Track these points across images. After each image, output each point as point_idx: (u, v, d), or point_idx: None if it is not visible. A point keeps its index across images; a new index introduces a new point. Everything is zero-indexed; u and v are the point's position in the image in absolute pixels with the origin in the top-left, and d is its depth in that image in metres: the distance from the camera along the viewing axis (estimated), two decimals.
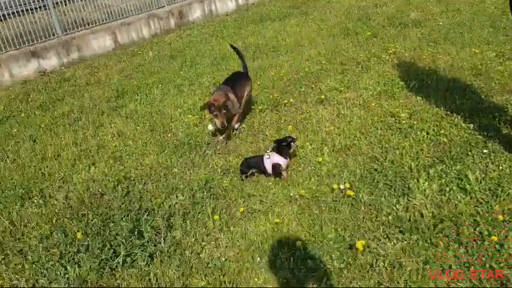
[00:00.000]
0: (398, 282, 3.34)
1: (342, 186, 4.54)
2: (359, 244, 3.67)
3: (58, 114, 7.74)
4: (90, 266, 3.74)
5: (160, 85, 8.38)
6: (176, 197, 4.74)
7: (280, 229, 4.09)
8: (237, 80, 6.14)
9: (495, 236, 3.62)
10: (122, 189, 4.96)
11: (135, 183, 5.12)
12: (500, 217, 3.82)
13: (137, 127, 6.67)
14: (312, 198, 4.48)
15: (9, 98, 9.05)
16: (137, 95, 8.03)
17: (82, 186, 5.13)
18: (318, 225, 4.08)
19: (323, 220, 4.13)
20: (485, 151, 4.78)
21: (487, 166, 4.57)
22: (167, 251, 3.94)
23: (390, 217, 4.05)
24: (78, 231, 4.19)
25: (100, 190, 5.03)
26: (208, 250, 3.95)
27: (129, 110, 7.43)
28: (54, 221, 4.53)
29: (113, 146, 6.18)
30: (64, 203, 4.83)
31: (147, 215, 4.41)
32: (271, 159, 4.75)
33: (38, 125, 7.34)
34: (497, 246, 3.56)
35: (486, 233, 3.68)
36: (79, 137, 6.64)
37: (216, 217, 4.31)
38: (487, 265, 3.38)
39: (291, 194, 4.56)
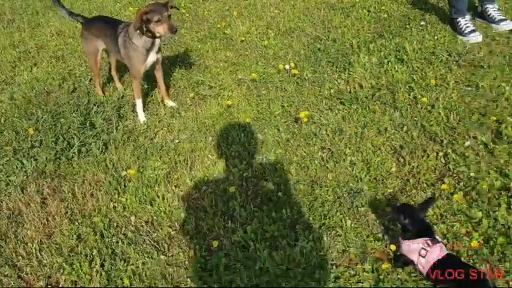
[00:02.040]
0: (339, 146, 3.62)
1: (287, 67, 4.68)
2: (303, 114, 3.91)
3: None
4: (46, 158, 3.82)
5: None
6: (125, 89, 4.76)
7: (231, 111, 4.24)
8: None
9: (426, 98, 3.91)
10: (68, 86, 4.91)
11: (81, 79, 5.06)
12: (433, 81, 4.10)
13: (77, 25, 6.40)
14: (260, 80, 4.61)
15: None
16: None
17: (26, 86, 5.03)
18: (266, 103, 4.26)
19: (271, 99, 4.31)
20: (422, 23, 4.98)
21: (423, 37, 4.79)
22: (121, 139, 4.05)
23: (332, 91, 4.27)
24: (29, 127, 4.19)
25: (45, 88, 4.96)
26: (162, 135, 4.09)
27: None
28: (2, 121, 4.49)
29: (54, 45, 5.97)
30: (9, 103, 4.76)
31: (97, 107, 4.44)
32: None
33: None
34: (428, 107, 3.87)
35: (419, 97, 3.97)
36: (16, 39, 6.34)
37: (166, 102, 4.40)
38: (419, 124, 3.71)
39: (240, 78, 4.67)
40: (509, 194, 3.01)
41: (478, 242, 2.75)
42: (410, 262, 2.62)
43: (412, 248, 2.58)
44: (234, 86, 4.57)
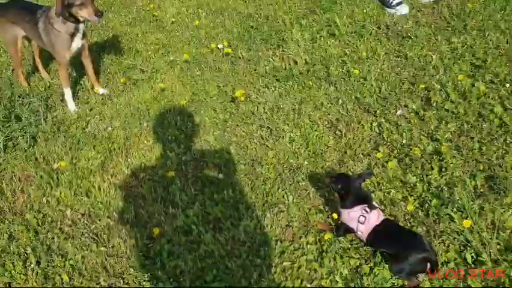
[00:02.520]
0: (277, 123, 3.62)
1: (220, 46, 4.61)
2: (239, 93, 3.87)
3: None
4: None
5: None
6: (52, 78, 4.51)
7: (165, 94, 4.12)
8: None
9: (358, 70, 3.98)
10: None
11: (2, 70, 4.74)
12: (364, 54, 4.18)
13: None
14: (193, 60, 4.51)
15: None
16: None
17: None
18: (201, 84, 4.18)
19: (205, 79, 4.23)
20: None
21: (353, 11, 4.86)
22: (51, 130, 3.83)
23: (267, 68, 4.25)
24: None
25: None
26: (94, 124, 3.91)
27: None
28: None
29: None
30: None
31: (22, 99, 4.17)
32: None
33: None
34: (361, 80, 3.95)
35: (352, 70, 4.03)
36: None
37: (96, 89, 4.21)
38: (353, 96, 3.78)
39: (172, 59, 4.55)
40: (440, 158, 3.12)
41: (414, 206, 2.84)
42: (350, 230, 2.68)
43: (351, 216, 2.64)
44: (167, 68, 4.44)
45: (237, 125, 3.68)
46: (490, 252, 2.54)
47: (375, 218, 2.57)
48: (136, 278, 2.70)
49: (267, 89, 4.01)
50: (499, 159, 3.06)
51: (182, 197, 3.11)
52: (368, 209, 2.59)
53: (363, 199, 2.66)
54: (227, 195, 3.08)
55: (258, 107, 3.80)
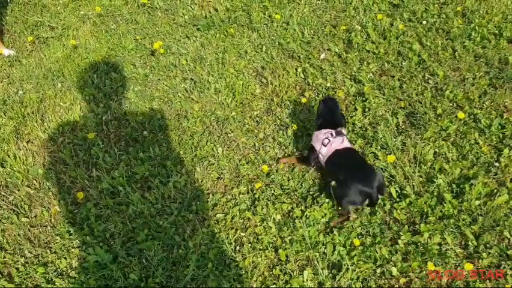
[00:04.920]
0: (201, 74, 3.50)
1: None
2: (158, 45, 3.68)
3: None
4: None
5: None
6: None
7: (78, 52, 3.84)
8: None
9: (280, 15, 3.90)
10: None
11: None
12: None
13: None
14: (107, 13, 4.22)
15: None
16: None
17: None
18: (117, 39, 3.93)
19: (122, 33, 3.97)
20: None
21: None
22: None
23: (186, 17, 4.06)
24: None
25: None
26: (2, 88, 3.59)
27: None
28: None
29: None
30: None
31: None
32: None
33: None
34: (284, 25, 3.87)
35: (274, 15, 3.94)
36: None
37: (2, 50, 3.84)
38: (276, 42, 3.71)
39: (83, 13, 4.22)
40: (363, 98, 3.17)
41: None
42: (313, 151, 2.66)
43: (318, 137, 2.63)
44: (79, 23, 4.12)
45: (159, 79, 3.52)
46: (413, 185, 2.65)
47: (338, 143, 2.56)
48: (63, 246, 2.57)
49: (187, 39, 3.84)
50: (418, 95, 3.15)
51: (106, 159, 2.96)
52: (334, 133, 2.58)
53: (333, 124, 2.64)
54: (153, 152, 2.97)
55: (179, 59, 3.65)
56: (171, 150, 3.01)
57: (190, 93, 3.39)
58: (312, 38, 3.73)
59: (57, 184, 2.87)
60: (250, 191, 2.73)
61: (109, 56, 3.76)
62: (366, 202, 2.42)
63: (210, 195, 2.74)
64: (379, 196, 2.44)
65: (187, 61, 3.62)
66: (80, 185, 2.85)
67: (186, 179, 2.81)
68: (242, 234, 2.53)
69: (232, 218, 2.60)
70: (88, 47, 3.86)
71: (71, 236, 2.61)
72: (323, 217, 2.56)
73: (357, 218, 2.53)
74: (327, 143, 2.58)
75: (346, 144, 2.59)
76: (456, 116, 2.95)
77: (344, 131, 2.66)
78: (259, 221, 2.57)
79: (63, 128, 3.21)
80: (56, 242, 2.59)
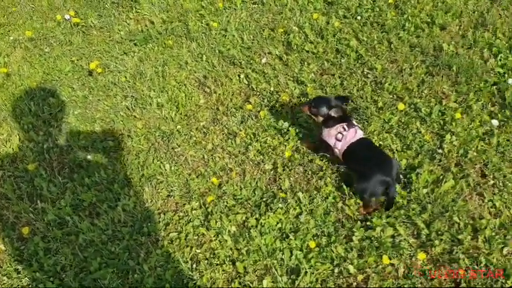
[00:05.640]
0: (142, 90, 3.43)
1: (67, 17, 4.19)
2: (94, 65, 3.58)
3: None
4: None
5: None
6: None
7: (12, 79, 3.68)
8: None
9: (217, 23, 3.88)
10: None
11: None
12: (221, 5, 4.06)
13: None
14: (39, 37, 4.07)
15: None
16: None
17: None
18: (52, 62, 3.80)
19: (56, 56, 3.85)
20: None
21: None
22: None
23: (122, 33, 3.97)
24: None
25: None
26: None
27: None
28: None
29: None
30: None
31: None
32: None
33: None
34: (222, 32, 3.85)
35: (211, 22, 3.91)
36: None
37: None
38: (216, 50, 3.68)
39: (13, 39, 4.06)
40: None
41: (291, 150, 2.89)
42: (328, 147, 2.68)
43: (330, 133, 2.64)
44: (9, 49, 3.96)
45: (99, 100, 3.42)
46: None
47: (352, 135, 2.58)
48: (12, 286, 2.45)
49: (125, 55, 3.76)
50: (359, 90, 3.20)
51: (51, 188, 2.85)
52: (346, 127, 2.60)
53: (343, 119, 2.64)
54: (99, 177, 2.88)
55: (118, 77, 3.57)
56: (117, 172, 2.93)
57: (132, 110, 3.31)
58: (251, 42, 3.72)
59: (0, 221, 2.74)
60: (202, 206, 2.69)
61: (44, 81, 3.62)
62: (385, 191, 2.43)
63: (161, 215, 2.67)
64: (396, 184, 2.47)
65: (126, 78, 3.54)
66: (25, 219, 2.73)
67: (135, 201, 2.74)
68: (198, 251, 2.49)
69: (186, 236, 2.56)
70: (21, 74, 3.71)
71: (19, 275, 2.49)
72: (278, 223, 2.54)
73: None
74: (341, 137, 2.61)
75: (359, 134, 2.62)
76: (397, 108, 3.00)
77: (354, 120, 2.71)
78: (214, 236, 2.53)
79: (2, 161, 3.07)
80: (4, 283, 2.47)
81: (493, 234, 2.36)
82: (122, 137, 3.14)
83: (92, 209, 2.74)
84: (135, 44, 3.84)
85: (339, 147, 2.62)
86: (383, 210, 2.51)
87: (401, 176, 2.58)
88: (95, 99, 3.42)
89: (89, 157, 3.02)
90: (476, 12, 3.59)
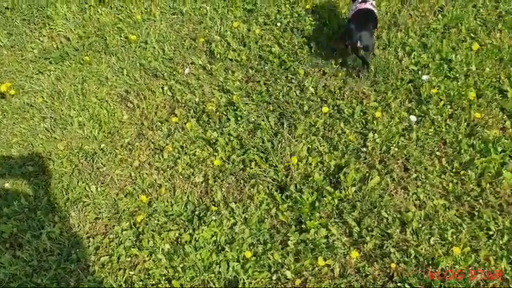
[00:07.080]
0: (61, 110, 3.27)
1: None
2: (6, 87, 3.37)
3: None
4: None
5: None
6: None
7: None
8: None
9: (136, 35, 3.79)
10: None
11: None
12: (139, 17, 3.97)
13: None
14: None
15: None
16: None
17: None
18: None
19: None
20: None
21: None
22: None
23: (36, 52, 3.78)
24: None
25: None
26: None
27: None
28: None
29: None
30: None
31: None
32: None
33: None
34: (142, 44, 3.76)
35: (131, 36, 3.81)
36: None
37: None
38: (137, 63, 3.59)
39: None
40: (234, 108, 3.18)
41: (221, 159, 2.87)
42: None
43: (352, 8, 3.42)
44: None
45: (14, 123, 3.23)
46: (295, 183, 2.70)
47: (362, 6, 3.33)
48: None
49: (41, 74, 3.59)
50: (285, 96, 3.23)
51: None
52: (361, 1, 3.35)
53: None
54: (19, 205, 2.70)
55: (34, 98, 3.39)
56: (39, 198, 2.76)
57: (52, 132, 3.15)
58: (173, 53, 3.67)
59: None
60: (133, 226, 2.60)
61: None
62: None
63: (91, 239, 2.55)
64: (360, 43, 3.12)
65: (43, 98, 3.37)
66: None
67: (61, 227, 2.60)
68: (131, 272, 2.40)
69: (118, 258, 2.46)
70: None
71: None
72: (212, 236, 2.51)
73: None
74: (357, 4, 3.36)
75: (368, 6, 3.33)
76: (321, 110, 3.07)
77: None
78: (147, 256, 2.45)
79: None
80: None
81: (420, 226, 2.46)
82: (42, 161, 2.97)
83: (13, 240, 2.57)
84: (50, 62, 3.66)
85: (352, 9, 3.39)
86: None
87: (368, 45, 3.16)
88: (10, 123, 3.23)
89: (6, 185, 2.83)
90: (388, 14, 3.75)
